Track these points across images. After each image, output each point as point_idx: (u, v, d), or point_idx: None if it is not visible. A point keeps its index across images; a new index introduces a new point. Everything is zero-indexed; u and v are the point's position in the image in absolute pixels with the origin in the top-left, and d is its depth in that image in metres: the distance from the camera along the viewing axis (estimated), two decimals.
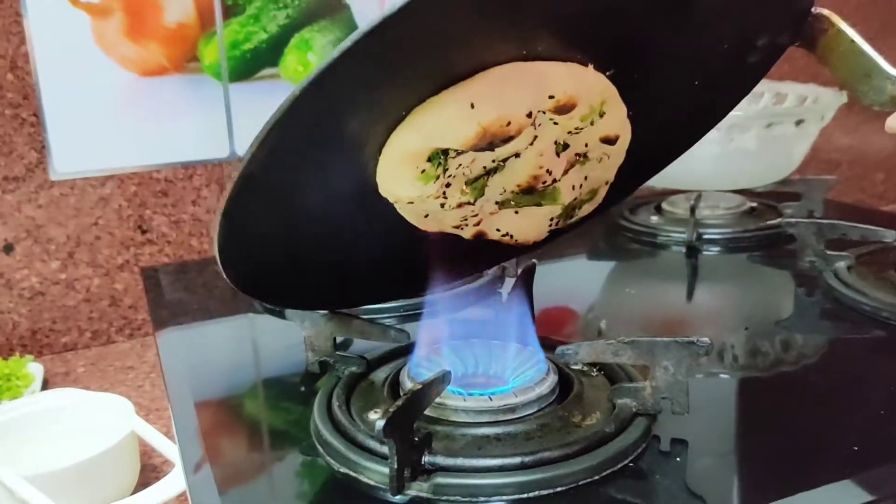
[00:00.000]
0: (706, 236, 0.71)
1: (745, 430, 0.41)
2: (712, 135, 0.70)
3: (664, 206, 0.79)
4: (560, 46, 0.36)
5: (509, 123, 0.36)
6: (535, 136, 0.37)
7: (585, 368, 0.44)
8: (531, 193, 0.38)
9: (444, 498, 0.35)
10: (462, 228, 0.40)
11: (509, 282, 0.62)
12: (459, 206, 0.37)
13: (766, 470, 0.37)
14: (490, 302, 0.57)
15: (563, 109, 0.36)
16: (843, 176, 1.20)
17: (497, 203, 0.39)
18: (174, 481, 0.49)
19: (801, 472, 0.37)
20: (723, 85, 0.44)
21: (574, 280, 0.68)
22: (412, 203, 0.38)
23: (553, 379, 0.41)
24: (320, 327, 0.47)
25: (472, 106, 0.35)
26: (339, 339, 0.47)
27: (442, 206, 0.38)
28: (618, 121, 0.39)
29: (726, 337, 0.52)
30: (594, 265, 0.74)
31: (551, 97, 0.36)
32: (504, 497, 0.35)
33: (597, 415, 0.39)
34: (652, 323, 0.58)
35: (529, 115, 0.36)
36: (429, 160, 0.36)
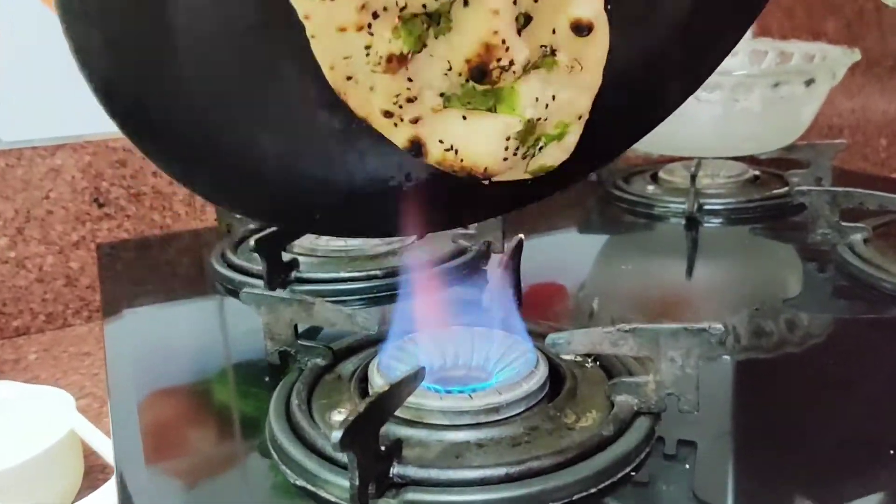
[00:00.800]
0: (707, 207, 0.66)
1: (761, 428, 0.36)
2: (714, 96, 0.66)
3: (661, 174, 0.74)
4: None
5: None
6: None
7: (579, 359, 0.39)
8: (482, 80, 0.31)
9: None
10: (396, 125, 0.32)
11: (494, 258, 0.57)
12: (389, 61, 0.30)
13: (789, 479, 0.32)
14: (473, 282, 0.53)
15: None
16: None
17: (441, 95, 0.32)
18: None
19: (831, 480, 0.32)
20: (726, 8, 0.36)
21: (564, 255, 0.63)
22: (327, 31, 0.28)
23: (543, 372, 0.36)
24: (279, 312, 0.41)
25: None
26: (301, 327, 0.42)
27: (367, 53, 0.29)
28: (591, 3, 0.32)
29: (732, 318, 0.47)
30: (586, 238, 0.69)
31: None
32: None
33: (592, 414, 0.34)
34: (649, 301, 0.53)
35: None
36: None
